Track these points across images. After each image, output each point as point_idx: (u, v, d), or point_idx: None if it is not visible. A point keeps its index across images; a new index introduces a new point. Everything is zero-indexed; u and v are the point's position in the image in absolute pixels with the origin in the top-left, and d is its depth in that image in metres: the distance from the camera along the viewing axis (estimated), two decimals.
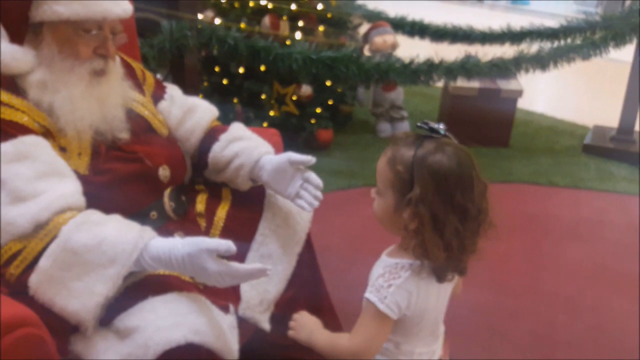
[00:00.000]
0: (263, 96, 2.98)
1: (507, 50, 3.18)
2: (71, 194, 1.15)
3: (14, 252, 1.09)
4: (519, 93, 3.27)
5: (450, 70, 2.71)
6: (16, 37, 1.20)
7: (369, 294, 1.06)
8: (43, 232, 1.09)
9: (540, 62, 2.87)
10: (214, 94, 3.00)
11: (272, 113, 3.00)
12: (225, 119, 1.60)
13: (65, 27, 1.19)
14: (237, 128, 1.53)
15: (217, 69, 3.02)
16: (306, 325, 1.16)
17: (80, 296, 1.07)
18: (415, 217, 1.00)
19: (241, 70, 2.92)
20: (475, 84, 3.19)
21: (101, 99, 1.25)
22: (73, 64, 1.21)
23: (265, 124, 2.96)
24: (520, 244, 2.46)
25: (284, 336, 1.42)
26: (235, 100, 3.01)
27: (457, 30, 3.69)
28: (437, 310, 1.14)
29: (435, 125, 1.04)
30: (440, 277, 1.06)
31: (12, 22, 1.21)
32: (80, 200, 1.16)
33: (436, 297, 1.11)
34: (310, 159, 1.37)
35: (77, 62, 1.21)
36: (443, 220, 0.99)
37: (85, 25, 1.19)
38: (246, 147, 1.45)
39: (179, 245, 1.10)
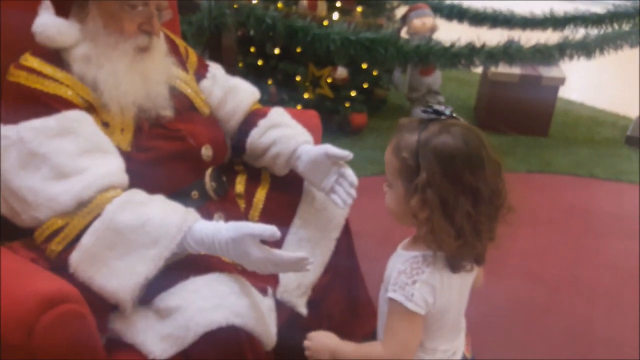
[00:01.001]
0: (298, 78, 2.94)
1: (549, 36, 3.08)
2: (114, 172, 1.13)
3: (56, 229, 1.08)
4: (561, 81, 3.17)
5: (492, 55, 2.63)
6: (62, 10, 1.18)
7: (394, 294, 0.99)
8: (86, 210, 1.08)
9: (586, 48, 2.77)
10: (249, 75, 2.96)
11: (306, 95, 2.96)
12: (260, 100, 1.58)
13: (111, 2, 1.16)
14: (277, 113, 1.50)
15: (252, 49, 2.98)
16: (324, 344, 1.10)
17: (120, 275, 1.06)
18: (424, 203, 0.95)
19: (277, 51, 2.88)
20: (516, 70, 3.10)
21: (145, 75, 1.23)
22: (117, 39, 1.18)
23: (299, 106, 2.92)
24: (558, 236, 2.39)
25: (320, 321, 1.41)
26: (269, 82, 2.98)
27: (497, 14, 3.60)
28: (459, 304, 1.08)
29: (440, 108, 0.99)
30: (454, 267, 0.99)
31: None
32: (123, 178, 1.15)
33: (458, 290, 1.05)
34: (347, 154, 1.33)
35: (122, 37, 1.19)
36: (453, 204, 0.93)
37: (131, 1, 1.17)
38: (284, 135, 1.42)
39: (222, 229, 1.09)
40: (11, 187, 1.10)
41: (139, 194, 1.14)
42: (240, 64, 3.04)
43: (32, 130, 1.09)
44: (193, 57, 1.47)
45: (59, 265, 1.08)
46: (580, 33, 2.96)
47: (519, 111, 3.18)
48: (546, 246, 2.32)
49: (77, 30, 1.18)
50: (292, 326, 1.34)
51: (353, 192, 1.35)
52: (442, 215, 0.94)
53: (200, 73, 1.46)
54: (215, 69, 1.51)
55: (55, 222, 1.08)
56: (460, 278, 1.04)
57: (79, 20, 1.19)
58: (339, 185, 1.35)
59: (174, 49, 1.39)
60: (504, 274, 2.14)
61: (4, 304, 0.91)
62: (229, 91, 1.48)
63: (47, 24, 1.16)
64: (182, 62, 1.40)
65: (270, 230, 1.06)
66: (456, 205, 0.93)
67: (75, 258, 1.07)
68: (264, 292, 1.24)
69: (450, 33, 3.01)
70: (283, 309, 1.31)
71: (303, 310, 1.34)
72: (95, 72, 1.17)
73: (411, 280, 0.99)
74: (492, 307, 1.96)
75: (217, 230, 1.09)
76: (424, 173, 0.94)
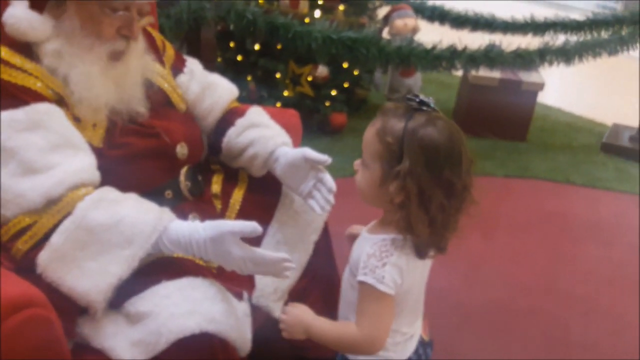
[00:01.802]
0: (278, 75, 2.90)
1: (530, 41, 3.09)
2: (86, 169, 1.08)
3: (23, 227, 1.03)
4: (540, 86, 3.19)
5: (473, 58, 2.62)
6: (37, 4, 1.11)
7: (365, 277, 1.01)
8: (56, 207, 1.03)
9: (566, 55, 2.79)
10: (228, 70, 2.91)
11: (286, 93, 2.92)
12: (238, 97, 1.54)
13: (91, 3, 1.10)
14: (255, 113, 1.46)
15: (232, 44, 2.93)
16: (299, 319, 1.09)
17: (92, 276, 1.01)
18: (402, 190, 0.97)
19: (257, 47, 2.84)
20: (496, 74, 3.11)
21: (118, 81, 1.17)
22: (94, 42, 1.13)
23: (278, 104, 2.88)
24: (535, 241, 2.40)
25: None
26: (249, 78, 2.93)
27: (478, 17, 3.60)
28: (419, 287, 1.12)
29: (425, 99, 1.01)
30: (421, 253, 1.03)
31: None
32: (95, 175, 1.10)
33: (420, 273, 1.09)
34: (326, 158, 1.29)
35: (99, 40, 1.13)
36: (429, 195, 0.97)
37: (113, 4, 1.11)
38: (262, 135, 1.38)
39: (200, 229, 1.05)
40: None
41: (111, 192, 1.09)
42: (219, 59, 2.99)
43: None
44: (170, 50, 1.42)
45: (25, 266, 1.03)
46: (559, 39, 2.98)
47: (498, 115, 3.19)
48: (523, 251, 2.33)
49: (50, 27, 1.11)
50: (268, 331, 1.30)
51: (331, 198, 1.31)
52: (418, 204, 0.97)
53: (178, 67, 1.41)
54: (193, 64, 1.46)
55: (22, 219, 1.03)
56: (422, 263, 1.07)
57: (55, 16, 1.12)
58: (316, 191, 1.31)
59: (151, 42, 1.34)
60: (481, 278, 2.14)
61: None
62: (206, 87, 1.43)
63: (20, 16, 1.09)
64: (159, 56, 1.35)
65: (251, 226, 1.03)
66: (432, 196, 0.97)
67: (44, 258, 1.01)
68: (239, 296, 1.20)
69: (432, 35, 3.00)
70: (258, 314, 1.27)
71: (279, 314, 1.31)
72: (67, 69, 1.11)
73: (381, 262, 1.01)
74: (469, 311, 1.96)
75: (194, 230, 1.05)
76: (407, 161, 0.96)
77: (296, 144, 1.53)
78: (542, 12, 3.60)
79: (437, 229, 1.00)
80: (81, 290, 1.01)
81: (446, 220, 1.00)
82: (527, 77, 3.18)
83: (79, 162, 1.08)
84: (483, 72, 3.04)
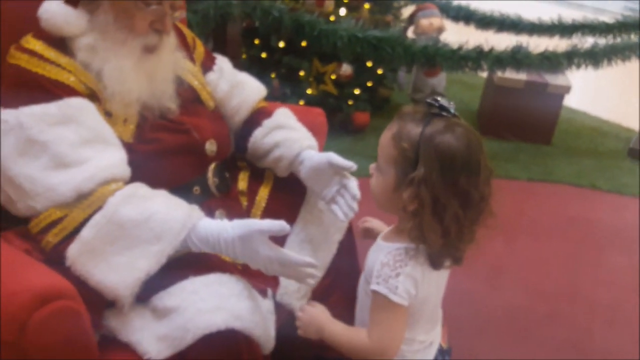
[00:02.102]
0: (302, 73, 2.89)
1: (556, 44, 3.05)
2: (117, 164, 1.09)
3: (54, 220, 1.04)
4: (567, 89, 3.14)
5: (500, 59, 2.59)
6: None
7: (378, 286, 0.99)
8: (86, 202, 1.04)
9: (594, 58, 2.74)
10: (252, 67, 2.92)
11: (309, 91, 2.92)
12: None
13: None
14: (282, 114, 1.45)
15: (257, 41, 2.93)
16: (314, 319, 1.09)
17: (120, 270, 1.02)
18: (416, 198, 0.94)
19: (281, 44, 2.83)
20: (522, 76, 3.07)
21: (151, 75, 1.18)
22: (127, 36, 1.14)
23: (301, 102, 2.88)
24: (558, 246, 2.37)
25: None
26: (273, 75, 2.93)
27: (504, 18, 3.56)
28: (437, 295, 1.10)
29: (446, 104, 0.97)
30: (435, 264, 1.00)
31: None
32: (126, 170, 1.11)
33: (436, 282, 1.07)
34: (351, 165, 1.27)
35: (132, 34, 1.14)
36: (444, 204, 0.94)
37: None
38: (288, 138, 1.37)
39: (228, 227, 1.06)
40: (7, 173, 1.06)
41: (142, 188, 1.10)
42: (244, 56, 2.99)
43: (32, 116, 1.05)
44: (200, 48, 1.43)
45: (54, 258, 1.04)
46: (587, 41, 2.93)
47: (523, 118, 3.15)
48: (546, 256, 2.30)
49: (85, 21, 1.12)
50: (290, 329, 1.30)
51: (355, 205, 1.29)
52: (432, 213, 0.94)
53: (207, 65, 1.42)
54: (223, 62, 1.46)
55: (53, 212, 1.04)
56: (438, 272, 1.04)
57: (89, 11, 1.13)
58: (340, 197, 1.30)
59: (182, 40, 1.34)
60: (502, 283, 2.12)
61: None
62: (235, 86, 1.43)
63: (55, 11, 1.10)
64: (190, 54, 1.36)
65: (279, 225, 1.03)
66: (447, 206, 0.94)
67: (74, 251, 1.02)
68: (263, 293, 1.20)
69: (457, 35, 2.97)
70: (282, 311, 1.27)
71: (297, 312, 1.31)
72: (100, 64, 1.12)
73: (394, 272, 0.99)
74: (490, 315, 1.94)
75: (222, 229, 1.06)
76: (422, 168, 0.93)
77: (321, 142, 1.52)
78: (570, 14, 3.55)
79: (451, 239, 0.96)
80: (109, 284, 1.02)
81: (460, 231, 0.96)
82: (554, 79, 3.13)
83: (110, 157, 1.09)
84: (509, 74, 3.00)
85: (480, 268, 2.16)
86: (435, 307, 1.11)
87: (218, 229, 1.06)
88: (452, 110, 0.97)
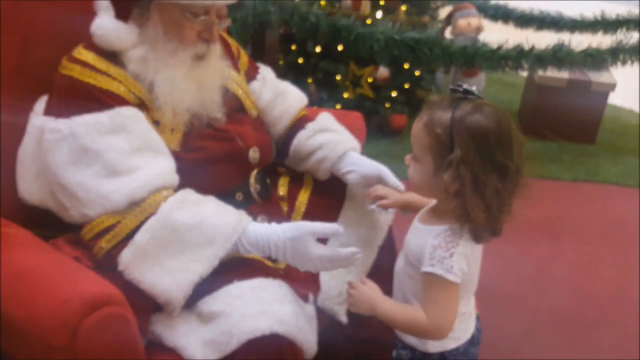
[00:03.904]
0: (338, 77, 2.90)
1: (600, 40, 2.96)
2: (166, 172, 1.12)
3: (107, 226, 1.07)
4: (612, 87, 3.04)
5: (541, 58, 2.53)
6: (122, 14, 1.15)
7: (432, 268, 1.02)
8: (138, 209, 1.07)
9: None
10: (289, 73, 2.94)
11: (346, 95, 2.92)
12: None
13: (173, 9, 1.14)
14: (325, 118, 1.48)
15: (293, 47, 2.95)
16: (366, 296, 1.10)
17: (174, 273, 1.05)
18: (456, 179, 0.98)
19: (318, 49, 2.84)
20: (564, 74, 2.98)
21: (201, 82, 1.21)
22: (177, 46, 1.16)
23: (338, 106, 2.88)
24: (605, 248, 2.30)
25: (359, 330, 1.37)
26: (309, 80, 2.94)
27: (544, 15, 3.48)
28: (477, 269, 1.13)
29: (469, 87, 1.02)
30: (478, 238, 1.05)
31: None
32: (175, 178, 1.14)
33: (478, 256, 1.11)
34: (399, 185, 1.32)
35: (182, 45, 1.17)
36: (484, 180, 0.98)
37: (193, 9, 1.14)
38: (332, 140, 1.40)
39: (278, 230, 1.09)
40: (61, 181, 1.09)
41: (192, 194, 1.13)
42: (281, 62, 3.02)
43: (85, 125, 1.08)
44: (244, 57, 1.45)
45: (105, 264, 1.07)
46: (633, 37, 2.83)
47: (565, 117, 3.07)
48: (592, 258, 2.23)
49: (136, 34, 1.15)
50: (331, 333, 1.31)
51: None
52: (473, 190, 0.98)
53: (251, 74, 1.44)
54: (266, 72, 1.48)
55: (105, 219, 1.07)
56: (479, 246, 1.09)
57: (139, 23, 1.16)
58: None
59: (227, 50, 1.37)
60: (548, 285, 2.07)
61: (48, 305, 0.91)
62: (278, 95, 1.45)
63: (107, 27, 1.14)
64: (234, 63, 1.39)
65: (333, 227, 1.08)
66: (487, 181, 0.98)
67: (127, 255, 1.05)
68: (305, 298, 1.21)
69: (495, 34, 2.92)
70: (323, 316, 1.28)
71: (343, 318, 1.31)
72: (152, 75, 1.16)
73: (448, 253, 1.02)
74: (535, 317, 1.90)
75: (272, 232, 1.09)
76: (458, 150, 0.97)
77: (361, 145, 1.53)
78: (614, 9, 3.44)
79: (493, 213, 1.00)
80: (162, 287, 1.05)
81: (501, 203, 1.00)
82: (597, 77, 3.04)
83: (160, 165, 1.12)
84: (550, 73, 2.93)
85: (526, 269, 2.13)
86: (475, 279, 1.15)
87: (268, 232, 1.09)
88: (477, 93, 1.02)
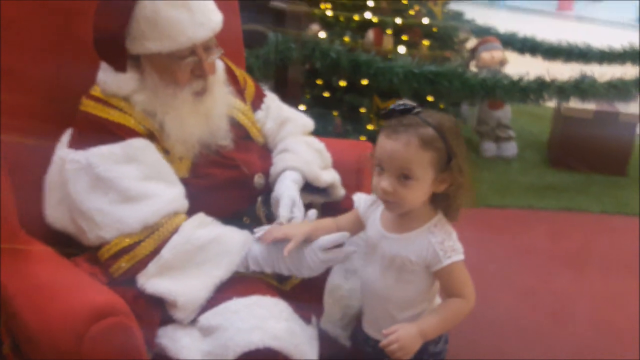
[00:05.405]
0: (362, 110, 2.98)
1: (628, 71, 2.95)
2: (178, 198, 1.21)
3: (124, 247, 1.16)
4: None
5: (563, 89, 2.55)
6: (118, 68, 1.24)
7: (451, 259, 1.09)
8: (157, 233, 1.17)
9: None
10: (315, 106, 3.04)
11: (370, 127, 2.99)
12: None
13: (161, 58, 1.22)
14: (293, 142, 1.47)
15: (319, 82, 3.06)
16: (410, 337, 1.09)
17: (198, 278, 1.16)
18: (449, 177, 1.07)
19: (342, 83, 2.94)
20: (591, 105, 2.98)
21: (207, 114, 1.29)
22: (174, 89, 1.25)
23: (362, 138, 2.95)
24: (632, 283, 2.24)
25: (365, 354, 1.40)
26: (335, 113, 3.04)
27: (572, 48, 3.49)
28: None
29: (403, 102, 1.10)
30: (454, 218, 1.14)
31: (113, 56, 1.22)
32: (185, 204, 1.23)
33: None
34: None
35: (178, 87, 1.25)
36: (464, 167, 1.08)
37: (178, 54, 1.22)
38: (281, 158, 1.42)
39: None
40: (80, 208, 1.19)
41: (205, 217, 1.23)
42: (307, 96, 3.12)
43: (100, 156, 1.18)
44: (251, 88, 1.53)
45: (120, 281, 1.15)
46: None
47: (594, 148, 3.05)
48: (618, 293, 2.18)
49: (136, 81, 1.24)
50: (334, 357, 1.34)
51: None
52: (461, 179, 1.08)
53: (256, 104, 1.51)
54: (270, 101, 1.55)
55: (122, 240, 1.16)
56: None
57: (138, 72, 1.25)
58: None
59: (232, 78, 1.44)
60: (569, 318, 2.03)
61: (60, 313, 0.99)
62: (281, 124, 1.51)
63: (107, 80, 1.24)
64: (240, 92, 1.46)
65: (341, 236, 1.18)
66: (463, 166, 1.08)
67: (152, 269, 1.15)
68: (307, 320, 1.25)
69: (524, 67, 2.94)
70: (326, 340, 1.30)
71: (346, 342, 1.34)
72: (160, 117, 1.24)
73: (451, 239, 1.11)
74: (555, 354, 1.86)
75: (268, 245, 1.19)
76: (452, 149, 1.06)
77: (368, 172, 1.57)
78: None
79: (467, 189, 1.11)
80: (186, 289, 1.14)
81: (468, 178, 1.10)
82: (625, 108, 3.02)
83: (172, 192, 1.21)
84: (576, 104, 2.94)
85: (547, 301, 2.10)
86: None
87: (264, 248, 1.20)
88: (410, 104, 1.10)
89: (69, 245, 1.25)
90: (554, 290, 2.16)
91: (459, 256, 1.10)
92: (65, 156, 1.22)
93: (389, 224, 1.15)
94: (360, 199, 1.25)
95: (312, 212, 1.27)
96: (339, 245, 1.19)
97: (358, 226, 1.24)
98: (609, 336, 1.95)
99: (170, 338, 1.14)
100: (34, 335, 1.02)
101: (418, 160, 1.06)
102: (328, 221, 1.26)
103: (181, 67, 1.23)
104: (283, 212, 1.26)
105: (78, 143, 1.22)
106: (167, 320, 1.16)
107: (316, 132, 1.59)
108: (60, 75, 1.33)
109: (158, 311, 1.15)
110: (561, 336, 1.94)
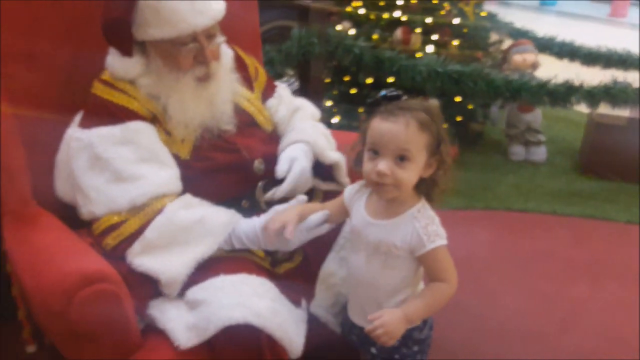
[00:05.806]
0: None
1: None
2: (169, 182, 1.26)
3: (112, 224, 1.22)
4: None
5: (592, 94, 2.49)
6: (124, 52, 1.30)
7: (435, 243, 1.11)
8: (142, 213, 1.22)
9: None
10: (342, 103, 3.07)
11: None
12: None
13: (164, 44, 1.28)
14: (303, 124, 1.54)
15: (346, 78, 3.08)
16: (395, 320, 1.10)
17: (180, 256, 1.20)
18: (437, 161, 1.10)
19: (369, 80, 2.96)
20: (624, 112, 2.90)
21: (210, 99, 1.34)
22: (177, 74, 1.30)
23: None
24: None
25: (350, 342, 1.41)
26: (360, 110, 3.05)
27: (611, 53, 3.39)
28: None
29: (389, 91, 1.13)
30: (433, 201, 1.15)
31: (119, 41, 1.30)
32: (177, 186, 1.28)
33: None
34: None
35: (181, 72, 1.30)
36: (448, 149, 1.11)
37: (180, 40, 1.27)
38: (298, 128, 1.50)
39: (256, 221, 1.25)
40: (79, 183, 1.26)
41: (192, 198, 1.27)
42: (335, 92, 3.15)
43: (99, 136, 1.25)
44: (262, 77, 1.57)
45: (111, 255, 1.21)
46: None
47: (626, 156, 2.95)
48: (630, 302, 2.11)
49: (142, 65, 1.31)
50: (325, 343, 1.36)
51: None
52: (447, 164, 1.11)
53: (268, 93, 1.56)
54: (283, 90, 1.60)
55: (111, 218, 1.23)
56: None
57: (143, 57, 1.32)
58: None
59: (242, 67, 1.49)
60: (579, 325, 1.99)
61: (52, 276, 1.06)
62: (293, 111, 1.56)
63: (115, 64, 1.31)
64: (249, 81, 1.51)
65: (323, 214, 1.23)
66: (449, 149, 1.11)
67: (137, 248, 1.20)
68: (297, 303, 1.28)
69: (562, 72, 2.88)
70: (317, 325, 1.32)
71: (337, 328, 1.35)
72: (164, 100, 1.31)
73: (435, 224, 1.12)
74: (559, 356, 1.83)
75: (252, 224, 1.25)
76: (441, 134, 1.10)
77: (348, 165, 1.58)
78: None
79: (450, 171, 1.13)
80: (168, 266, 1.19)
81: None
82: None
83: (164, 175, 1.26)
84: (609, 110, 2.86)
85: (557, 308, 2.06)
86: None
87: (248, 226, 1.25)
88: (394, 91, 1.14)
89: (75, 218, 1.32)
90: (568, 297, 2.12)
91: (443, 241, 1.12)
92: (72, 134, 1.30)
93: (373, 210, 1.17)
94: (347, 188, 1.27)
95: (302, 198, 1.30)
96: None
97: (343, 213, 1.26)
98: (616, 347, 1.90)
99: (160, 310, 1.20)
100: (29, 296, 1.10)
101: (416, 141, 1.08)
102: (316, 205, 1.29)
103: (183, 53, 1.28)
104: (281, 167, 1.38)
105: (84, 123, 1.30)
106: (159, 293, 1.22)
107: (342, 127, 1.62)
108: (76, 59, 1.41)
109: (150, 285, 1.21)
110: (566, 343, 1.90)
